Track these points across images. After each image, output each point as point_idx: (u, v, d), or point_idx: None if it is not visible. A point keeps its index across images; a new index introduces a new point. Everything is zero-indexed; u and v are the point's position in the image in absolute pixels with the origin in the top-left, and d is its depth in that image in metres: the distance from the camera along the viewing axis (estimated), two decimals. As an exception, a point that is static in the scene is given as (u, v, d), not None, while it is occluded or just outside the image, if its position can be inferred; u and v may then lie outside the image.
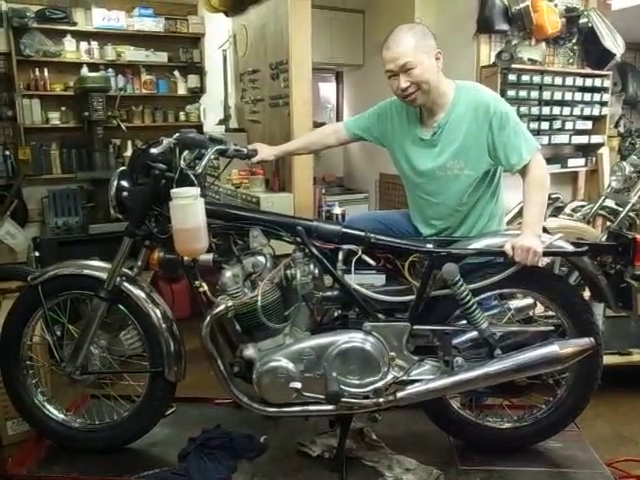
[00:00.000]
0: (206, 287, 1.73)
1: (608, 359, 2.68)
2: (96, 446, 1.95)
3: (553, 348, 1.71)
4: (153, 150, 1.76)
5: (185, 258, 1.73)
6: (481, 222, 1.92)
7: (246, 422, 2.07)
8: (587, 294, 2.01)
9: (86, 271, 1.88)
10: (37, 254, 3.60)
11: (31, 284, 1.89)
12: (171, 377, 1.85)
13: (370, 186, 4.87)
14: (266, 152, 2.11)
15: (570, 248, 1.80)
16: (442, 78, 1.84)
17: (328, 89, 5.52)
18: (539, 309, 1.95)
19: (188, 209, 1.63)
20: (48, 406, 2.00)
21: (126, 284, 1.85)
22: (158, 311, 1.85)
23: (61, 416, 2.00)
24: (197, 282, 1.73)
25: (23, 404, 2.00)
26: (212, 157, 1.87)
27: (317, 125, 4.15)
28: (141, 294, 1.85)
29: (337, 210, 3.41)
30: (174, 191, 1.64)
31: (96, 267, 1.88)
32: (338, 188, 5.07)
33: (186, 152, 1.78)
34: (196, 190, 1.65)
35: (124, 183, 1.81)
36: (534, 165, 1.77)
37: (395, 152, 1.98)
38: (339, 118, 5.43)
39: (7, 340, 1.95)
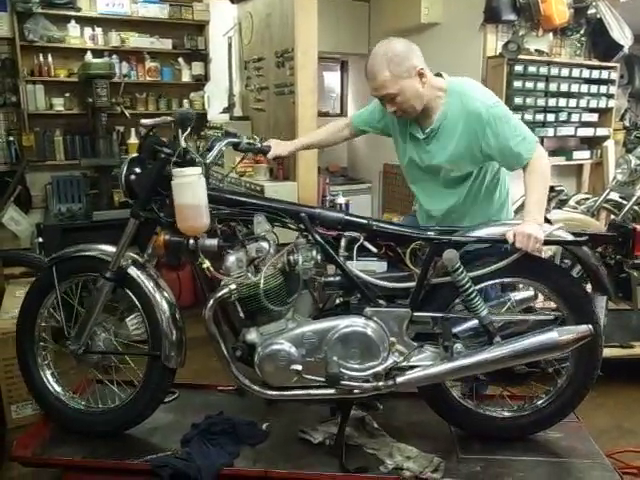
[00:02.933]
0: (209, 263, 1.74)
1: (610, 352, 2.70)
2: (94, 430, 1.96)
3: (552, 334, 1.71)
4: (144, 121, 1.78)
5: (190, 242, 1.75)
6: (490, 211, 1.94)
7: (249, 409, 2.08)
8: (589, 287, 2.02)
9: (96, 253, 1.91)
10: (40, 240, 3.61)
11: (47, 265, 1.94)
12: (168, 363, 1.86)
13: (374, 176, 4.86)
14: (281, 148, 2.11)
15: (570, 237, 1.80)
16: (429, 86, 1.79)
17: (333, 78, 5.50)
18: (539, 301, 1.95)
19: (189, 187, 1.67)
20: (56, 387, 2.02)
21: (133, 268, 1.87)
22: (162, 296, 1.87)
23: (66, 398, 2.02)
24: (200, 259, 1.75)
25: (33, 383, 2.02)
26: (223, 149, 1.91)
27: (322, 114, 4.14)
28: (146, 278, 1.87)
29: (341, 200, 3.42)
30: (175, 170, 1.68)
31: (105, 250, 1.91)
32: (342, 178, 5.07)
33: (188, 132, 1.76)
34: (197, 169, 1.69)
35: (133, 167, 1.84)
36: (534, 159, 1.75)
37: (396, 144, 2.03)
38: (343, 107, 5.42)
39: (24, 320, 2.00)
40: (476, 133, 1.76)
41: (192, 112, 1.75)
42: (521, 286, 1.95)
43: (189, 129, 1.73)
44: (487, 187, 1.92)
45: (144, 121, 1.81)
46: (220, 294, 1.73)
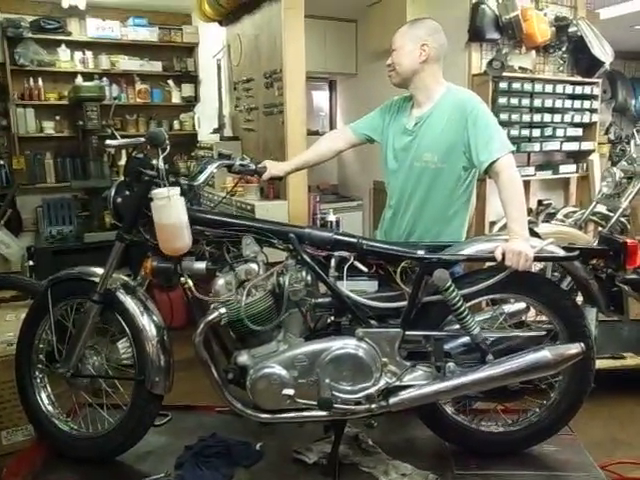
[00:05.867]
0: (191, 283, 1.74)
1: (602, 363, 2.71)
2: (82, 454, 1.94)
3: (544, 354, 1.72)
4: (110, 142, 1.81)
5: (178, 267, 1.75)
6: (450, 228, 1.98)
7: (242, 429, 2.06)
8: (580, 299, 2.03)
9: (86, 276, 1.91)
10: (31, 263, 3.61)
11: (44, 287, 1.94)
12: (153, 388, 1.82)
13: (364, 193, 4.90)
14: (277, 169, 2.11)
15: (561, 253, 1.81)
16: (431, 73, 1.94)
17: (322, 98, 5.56)
18: (531, 313, 1.96)
19: (168, 208, 1.66)
20: (51, 409, 2.01)
21: (121, 291, 1.86)
22: (149, 320, 1.84)
23: (59, 421, 2.00)
24: (182, 279, 1.74)
25: (29, 406, 2.01)
26: (215, 171, 1.91)
27: (311, 133, 4.18)
28: (133, 301, 1.85)
29: (331, 217, 3.43)
30: (154, 192, 1.68)
31: (96, 273, 1.90)
32: (332, 196, 5.10)
33: (166, 152, 1.76)
34: (175, 190, 1.68)
35: (121, 190, 1.85)
36: (504, 166, 1.79)
37: (385, 145, 2.08)
38: (332, 126, 5.47)
39: (22, 341, 2.01)
40: (459, 122, 1.86)
41: (163, 132, 1.74)
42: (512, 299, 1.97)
43: (167, 149, 1.72)
44: (458, 200, 1.97)
45: (109, 142, 1.81)
46: (210, 318, 1.72)
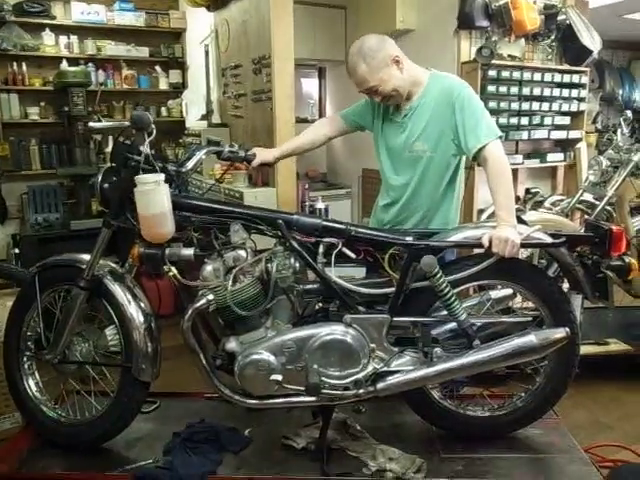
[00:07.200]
0: (175, 270, 1.73)
1: (586, 349, 2.76)
2: (69, 441, 1.94)
3: (530, 338, 1.74)
4: (93, 124, 1.77)
5: (166, 252, 1.74)
6: (442, 214, 1.99)
7: (230, 416, 2.07)
8: (566, 285, 2.06)
9: (74, 263, 1.90)
10: (17, 251, 3.56)
11: (32, 274, 1.93)
12: (140, 375, 1.82)
13: (353, 181, 4.89)
14: (266, 154, 2.11)
15: (548, 239, 1.82)
16: (412, 69, 1.92)
17: (311, 85, 5.52)
18: (518, 299, 1.98)
19: (151, 195, 1.65)
20: (39, 396, 2.01)
21: (108, 278, 1.85)
22: (137, 307, 1.84)
23: (46, 408, 1.99)
24: (166, 266, 1.73)
25: (17, 393, 2.01)
26: (203, 157, 1.90)
27: (300, 121, 4.16)
28: (120, 288, 1.85)
29: (320, 205, 3.42)
30: (137, 178, 1.67)
31: (83, 259, 1.89)
32: (321, 183, 5.09)
33: (152, 137, 1.74)
34: (159, 176, 1.67)
35: (108, 176, 1.83)
36: (492, 152, 1.79)
37: (376, 136, 2.07)
38: (321, 113, 5.44)
39: (10, 330, 2.00)
40: (447, 106, 1.85)
41: (148, 115, 1.71)
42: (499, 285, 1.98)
43: (153, 133, 1.70)
44: (449, 186, 1.98)
45: (92, 124, 1.78)
46: (198, 305, 1.72)
